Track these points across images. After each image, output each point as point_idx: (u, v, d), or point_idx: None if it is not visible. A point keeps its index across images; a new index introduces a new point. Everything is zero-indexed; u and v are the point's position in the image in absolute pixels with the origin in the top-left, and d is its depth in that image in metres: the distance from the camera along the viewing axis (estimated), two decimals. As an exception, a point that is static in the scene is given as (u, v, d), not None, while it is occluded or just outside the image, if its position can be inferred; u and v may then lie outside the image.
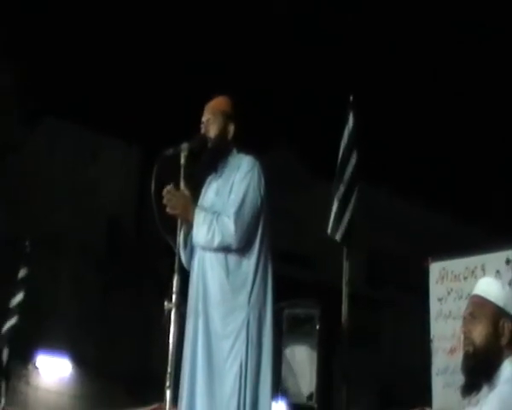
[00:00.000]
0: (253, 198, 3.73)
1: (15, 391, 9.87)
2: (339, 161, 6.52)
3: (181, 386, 3.65)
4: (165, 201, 3.73)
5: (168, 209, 3.74)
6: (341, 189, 6.41)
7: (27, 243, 9.28)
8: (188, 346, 3.67)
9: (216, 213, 3.71)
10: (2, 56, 12.21)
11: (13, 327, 9.07)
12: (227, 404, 3.55)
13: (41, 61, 12.38)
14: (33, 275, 9.34)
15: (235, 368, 3.58)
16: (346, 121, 6.57)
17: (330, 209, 6.42)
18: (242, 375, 3.58)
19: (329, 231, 6.40)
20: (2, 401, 9.03)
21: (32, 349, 11.90)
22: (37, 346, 12.06)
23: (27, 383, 11.94)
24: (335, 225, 6.39)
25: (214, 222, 3.67)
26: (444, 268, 6.72)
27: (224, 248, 3.68)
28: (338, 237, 6.36)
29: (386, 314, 16.48)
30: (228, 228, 3.65)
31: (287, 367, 7.96)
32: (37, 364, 12.21)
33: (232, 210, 3.68)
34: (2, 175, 12.40)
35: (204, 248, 3.74)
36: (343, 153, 6.52)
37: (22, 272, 9.21)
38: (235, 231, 3.64)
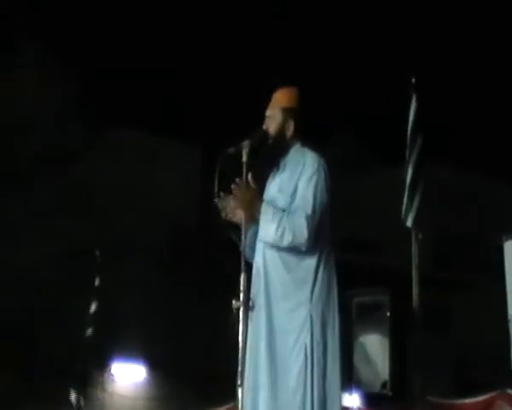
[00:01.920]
0: (322, 200, 3.69)
1: (92, 398, 10.10)
2: (407, 145, 6.49)
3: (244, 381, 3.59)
4: (232, 194, 3.69)
5: (232, 204, 3.70)
6: (410, 173, 6.38)
7: (98, 253, 9.49)
8: (250, 340, 3.61)
9: (285, 212, 3.66)
10: (64, 65, 12.42)
11: (89, 336, 9.28)
12: (292, 398, 3.51)
13: (101, 68, 12.57)
14: (105, 283, 9.52)
15: (300, 362, 3.54)
16: (409, 104, 6.51)
17: (402, 194, 6.40)
18: (308, 368, 3.53)
19: (403, 216, 6.37)
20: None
21: (106, 357, 12.09)
22: (112, 353, 12.25)
23: (103, 389, 12.14)
24: (408, 209, 6.35)
25: (284, 220, 3.62)
26: (520, 244, 6.54)
27: (292, 248, 3.63)
28: (409, 222, 6.32)
29: (457, 296, 16.13)
30: (301, 230, 3.60)
31: (359, 357, 7.88)
32: (112, 371, 12.41)
33: (305, 214, 3.62)
34: (67, 185, 12.63)
35: (271, 246, 3.69)
36: (410, 137, 6.48)
37: (96, 282, 9.43)
38: (309, 234, 3.60)
